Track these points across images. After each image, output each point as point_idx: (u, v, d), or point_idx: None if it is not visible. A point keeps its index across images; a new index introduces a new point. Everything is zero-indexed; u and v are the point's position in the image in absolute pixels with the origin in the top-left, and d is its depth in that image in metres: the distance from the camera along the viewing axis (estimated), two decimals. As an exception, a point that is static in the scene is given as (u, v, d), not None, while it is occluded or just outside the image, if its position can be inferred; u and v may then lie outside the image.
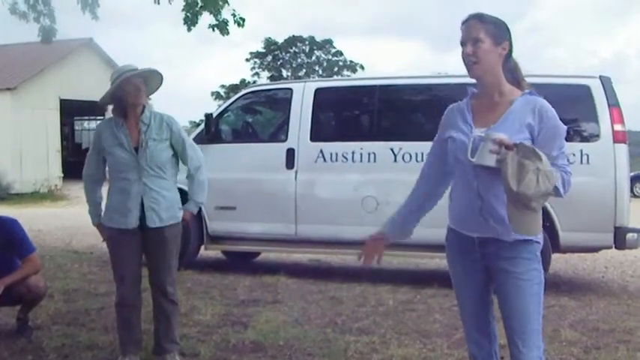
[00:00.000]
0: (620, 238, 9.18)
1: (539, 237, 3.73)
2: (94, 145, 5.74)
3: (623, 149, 9.26)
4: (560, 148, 3.68)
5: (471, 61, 3.73)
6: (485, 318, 3.94)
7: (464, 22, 3.79)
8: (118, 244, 5.66)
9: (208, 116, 10.83)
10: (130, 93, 5.49)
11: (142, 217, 5.56)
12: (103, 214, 5.73)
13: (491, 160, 3.56)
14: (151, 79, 5.75)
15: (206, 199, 6.09)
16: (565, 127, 3.70)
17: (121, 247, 5.66)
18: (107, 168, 5.78)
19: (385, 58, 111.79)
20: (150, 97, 5.94)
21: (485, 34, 3.70)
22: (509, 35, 3.80)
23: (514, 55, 3.84)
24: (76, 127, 42.83)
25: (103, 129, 5.71)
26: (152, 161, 5.53)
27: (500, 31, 3.75)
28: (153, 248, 5.68)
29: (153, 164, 5.54)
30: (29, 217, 15.33)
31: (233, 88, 54.10)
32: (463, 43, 3.75)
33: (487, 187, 3.67)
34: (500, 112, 3.72)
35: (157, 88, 5.96)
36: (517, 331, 3.73)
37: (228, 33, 11.64)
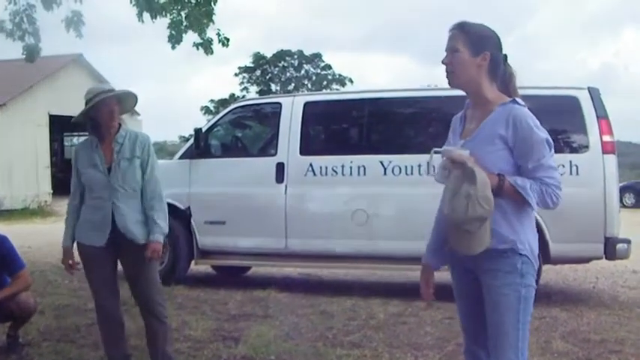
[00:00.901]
0: (610, 249, 9.18)
1: (526, 249, 3.63)
2: (74, 166, 5.72)
3: (612, 160, 9.29)
4: (539, 159, 3.56)
5: (447, 71, 3.72)
6: (483, 330, 3.83)
7: (449, 31, 3.74)
8: (92, 261, 5.63)
9: (198, 131, 10.83)
10: (103, 114, 5.50)
11: (117, 236, 5.54)
12: (76, 230, 5.70)
13: (443, 177, 3.61)
14: (125, 100, 5.76)
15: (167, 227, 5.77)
16: (544, 137, 3.59)
17: (94, 264, 5.63)
18: None
19: (374, 72, 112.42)
20: (139, 114, 5.95)
21: (463, 44, 3.66)
22: (496, 44, 3.73)
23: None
24: (66, 143, 42.76)
25: (80, 150, 5.74)
26: (124, 181, 5.52)
27: (480, 40, 3.68)
28: (129, 267, 5.67)
29: (125, 184, 5.53)
30: (19, 234, 15.27)
31: (222, 103, 54.11)
32: (445, 52, 3.73)
33: None
34: (479, 124, 3.70)
35: (132, 108, 6.03)
36: (492, 345, 3.69)
37: (212, 52, 11.67)
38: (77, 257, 5.73)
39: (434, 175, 3.72)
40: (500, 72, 3.74)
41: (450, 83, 3.76)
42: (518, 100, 3.68)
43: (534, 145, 3.56)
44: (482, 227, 3.51)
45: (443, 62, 3.72)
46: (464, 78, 3.70)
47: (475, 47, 3.66)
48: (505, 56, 3.77)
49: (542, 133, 3.59)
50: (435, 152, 3.71)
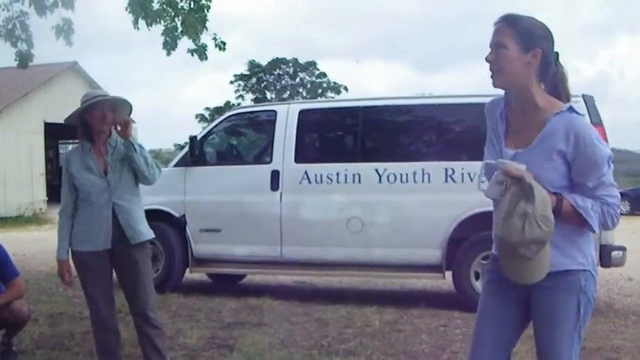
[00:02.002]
0: (605, 256, 9.16)
1: (589, 263, 3.38)
2: (65, 175, 5.68)
3: (606, 167, 9.27)
4: (600, 177, 3.27)
5: (491, 70, 3.35)
6: (500, 355, 3.56)
7: (494, 25, 3.38)
8: (89, 267, 5.60)
9: (192, 139, 10.82)
10: (96, 118, 5.50)
11: (112, 239, 5.53)
12: (71, 239, 5.66)
13: (497, 193, 3.26)
14: (120, 107, 5.75)
15: (153, 174, 5.63)
16: (607, 153, 3.29)
17: (92, 270, 5.60)
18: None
19: (370, 80, 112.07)
20: (134, 121, 5.93)
21: (511, 39, 3.29)
22: (548, 40, 3.37)
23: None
24: (61, 151, 42.67)
25: (71, 155, 5.73)
26: (122, 182, 5.54)
27: (531, 36, 3.30)
28: (124, 272, 5.66)
29: (123, 185, 5.55)
30: (13, 241, 15.25)
31: (217, 111, 54.21)
32: (490, 48, 3.37)
33: None
34: (533, 134, 3.33)
35: (127, 116, 6.02)
36: None
37: (206, 58, 11.70)
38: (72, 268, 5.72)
39: (484, 190, 3.35)
40: (551, 72, 3.40)
41: (493, 83, 3.39)
42: (575, 107, 3.35)
43: (597, 162, 3.27)
44: (540, 253, 3.17)
45: (487, 60, 3.36)
46: (510, 77, 3.33)
47: (525, 43, 3.30)
48: (557, 54, 3.42)
49: (605, 149, 3.30)
50: (487, 164, 3.40)
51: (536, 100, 3.35)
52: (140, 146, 5.54)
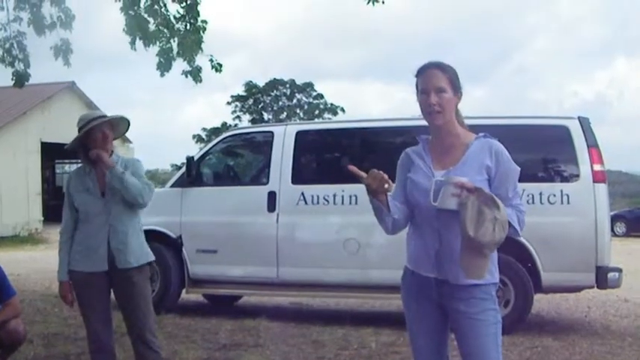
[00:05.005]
0: (602, 278, 9.19)
1: (495, 277, 3.79)
2: (66, 195, 5.69)
3: (602, 189, 9.31)
4: (515, 188, 3.81)
5: (435, 110, 3.78)
6: (440, 358, 3.95)
7: (423, 70, 3.85)
8: (87, 287, 5.58)
9: (189, 159, 10.83)
10: (97, 140, 5.50)
11: (110, 260, 5.51)
12: (70, 258, 5.64)
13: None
14: (118, 125, 5.77)
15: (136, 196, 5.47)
16: (518, 169, 3.83)
17: (89, 291, 5.57)
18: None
19: (367, 102, 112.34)
20: (131, 142, 5.93)
21: (447, 84, 3.79)
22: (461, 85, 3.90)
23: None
24: (57, 170, 42.77)
25: (73, 177, 5.75)
26: (121, 204, 5.52)
27: (457, 80, 3.85)
28: (122, 294, 5.62)
29: (121, 207, 5.53)
30: (9, 261, 15.19)
31: (214, 131, 54.20)
32: (425, 92, 3.80)
33: (448, 230, 3.71)
34: (458, 155, 3.82)
35: (125, 132, 6.09)
36: None
37: (200, 80, 11.71)
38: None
39: (435, 204, 3.73)
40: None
41: (435, 122, 3.84)
42: (487, 135, 3.88)
43: (513, 175, 3.81)
44: (490, 254, 3.64)
45: (430, 102, 3.77)
46: (448, 116, 3.82)
47: (455, 86, 3.84)
48: None
49: (516, 166, 3.84)
50: (437, 182, 3.75)
51: (457, 131, 3.88)
52: (114, 170, 5.42)
